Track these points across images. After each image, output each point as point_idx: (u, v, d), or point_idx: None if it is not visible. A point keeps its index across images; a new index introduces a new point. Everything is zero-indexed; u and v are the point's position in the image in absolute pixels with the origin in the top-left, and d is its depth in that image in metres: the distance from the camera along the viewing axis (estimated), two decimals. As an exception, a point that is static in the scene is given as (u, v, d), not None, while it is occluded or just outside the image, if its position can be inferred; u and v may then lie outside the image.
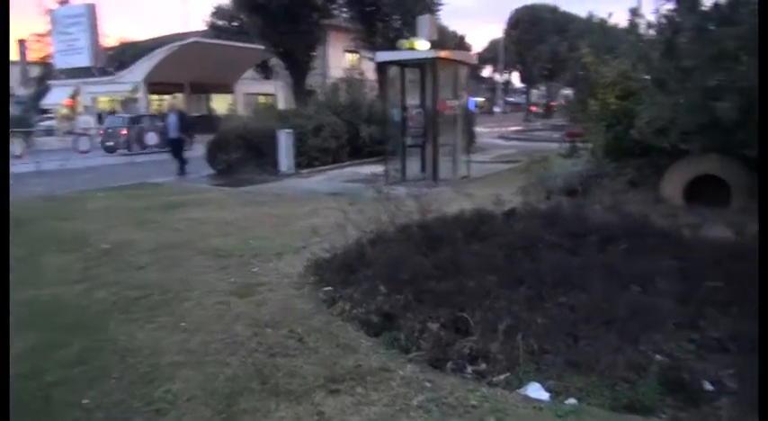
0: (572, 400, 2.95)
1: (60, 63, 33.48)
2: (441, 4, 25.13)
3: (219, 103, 34.51)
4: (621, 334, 3.31)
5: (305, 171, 13.65)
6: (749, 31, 6.39)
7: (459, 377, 3.23)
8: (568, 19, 45.01)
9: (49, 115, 31.75)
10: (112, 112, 27.42)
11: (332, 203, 8.42)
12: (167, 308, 4.43)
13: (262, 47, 25.73)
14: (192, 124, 15.98)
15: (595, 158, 8.45)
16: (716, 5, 7.63)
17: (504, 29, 49.27)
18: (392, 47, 15.18)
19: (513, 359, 3.26)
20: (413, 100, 11.94)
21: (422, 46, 11.31)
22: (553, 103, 48.94)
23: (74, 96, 32.13)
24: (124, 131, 21.31)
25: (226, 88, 34.84)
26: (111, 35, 48.23)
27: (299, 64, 24.56)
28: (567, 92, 41.20)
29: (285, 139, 13.48)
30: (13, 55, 38.36)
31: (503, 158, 16.20)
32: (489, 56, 52.63)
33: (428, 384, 3.14)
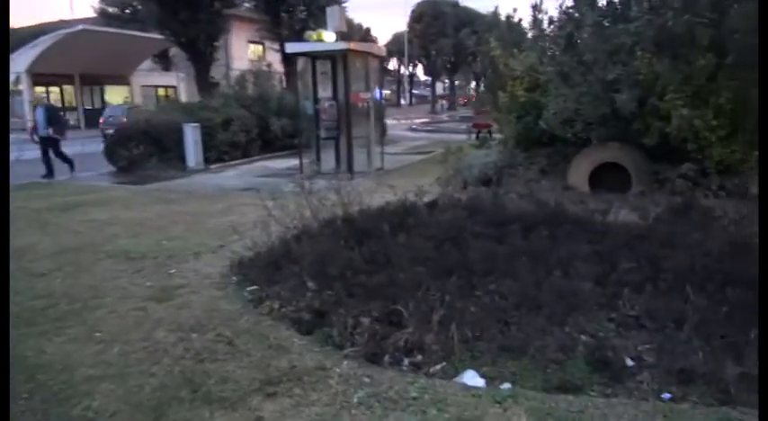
0: (507, 385, 3.03)
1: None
2: (347, -4, 25.09)
3: (115, 96, 32.46)
4: (549, 317, 3.45)
5: (214, 166, 13.16)
6: (643, 27, 6.88)
7: (396, 370, 3.22)
8: (470, 14, 46.40)
9: None
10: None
11: (246, 199, 8.19)
12: (77, 317, 4.08)
13: (160, 36, 24.44)
14: (62, 120, 13.86)
15: (507, 149, 8.76)
16: (609, 2, 8.14)
17: (408, 22, 49.95)
18: (298, 38, 14.95)
19: (448, 348, 3.31)
20: (325, 92, 11.81)
21: (330, 37, 11.20)
22: (464, 99, 50.36)
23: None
24: (7, 127, 19.49)
25: (121, 80, 32.80)
26: (-14, 21, 43.89)
27: (201, 54, 23.56)
28: (473, 85, 42.52)
29: (192, 134, 12.91)
30: None
31: (414, 150, 16.45)
32: (394, 48, 53.20)
33: (367, 379, 3.11)
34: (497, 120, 9.92)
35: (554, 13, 8.67)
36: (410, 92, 61.21)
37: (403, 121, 31.20)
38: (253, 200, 6.89)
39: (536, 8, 9.11)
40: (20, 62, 27.55)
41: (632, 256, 4.05)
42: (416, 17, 49.34)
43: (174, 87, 34.41)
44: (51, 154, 12.12)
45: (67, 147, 12.97)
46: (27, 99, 26.80)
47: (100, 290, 4.65)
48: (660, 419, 2.66)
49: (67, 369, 3.32)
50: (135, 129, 13.12)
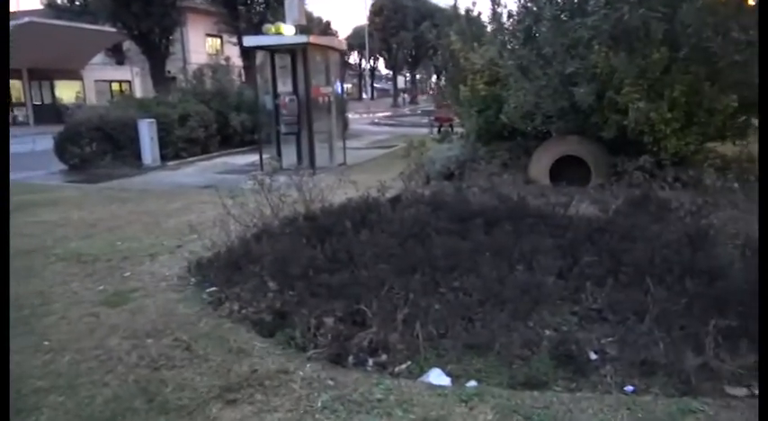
0: (472, 383, 3.00)
1: None
2: (306, -11, 24.73)
3: (66, 91, 31.32)
4: (513, 313, 3.44)
5: (172, 163, 12.82)
6: (600, 21, 6.95)
7: (361, 371, 3.15)
8: (430, 8, 46.50)
9: None
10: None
11: (205, 197, 7.98)
12: (25, 326, 3.88)
13: (112, 29, 23.66)
14: None
15: (468, 143, 8.78)
16: (567, -4, 8.19)
17: (368, 15, 49.75)
18: (257, 31, 14.67)
19: (413, 347, 3.26)
20: (285, 87, 11.62)
21: (289, 31, 11.01)
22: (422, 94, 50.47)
23: None
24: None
25: (73, 74, 31.63)
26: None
27: (156, 48, 22.95)
28: (434, 79, 42.67)
29: (148, 130, 12.55)
30: None
31: (377, 144, 16.40)
32: (354, 42, 52.93)
33: (331, 382, 3.04)
34: (458, 114, 9.93)
35: (513, 7, 8.70)
36: (372, 86, 61.07)
37: (365, 115, 31.10)
38: (211, 198, 6.70)
39: (495, 1, 9.14)
40: (-39, 56, 26.27)
41: (594, 250, 4.08)
42: (377, 10, 49.19)
43: (128, 82, 33.41)
44: None
45: (17, 145, 12.42)
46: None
47: (49, 295, 4.44)
48: (624, 412, 2.67)
49: (14, 381, 3.13)
50: (87, 126, 12.64)
